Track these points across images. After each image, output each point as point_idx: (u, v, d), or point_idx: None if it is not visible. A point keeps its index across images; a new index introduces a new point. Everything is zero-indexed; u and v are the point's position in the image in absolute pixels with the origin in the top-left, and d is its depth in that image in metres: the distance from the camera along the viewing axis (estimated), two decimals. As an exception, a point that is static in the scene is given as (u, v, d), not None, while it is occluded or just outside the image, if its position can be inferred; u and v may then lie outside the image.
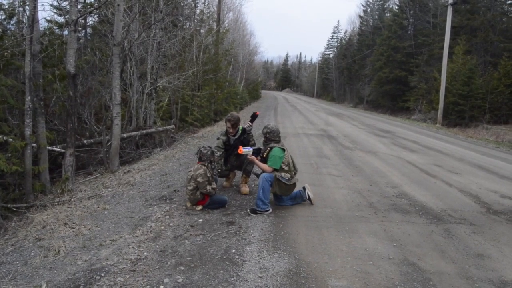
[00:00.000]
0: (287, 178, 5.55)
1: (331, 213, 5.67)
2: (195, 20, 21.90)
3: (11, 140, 7.98)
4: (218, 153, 6.36)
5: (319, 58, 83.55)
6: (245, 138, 6.59)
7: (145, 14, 13.95)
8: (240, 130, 6.61)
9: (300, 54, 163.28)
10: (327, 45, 78.36)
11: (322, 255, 4.24)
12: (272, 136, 5.70)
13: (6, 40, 8.58)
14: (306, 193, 6.04)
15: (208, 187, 5.58)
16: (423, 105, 27.91)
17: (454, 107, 23.00)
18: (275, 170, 5.53)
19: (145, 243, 4.54)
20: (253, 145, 6.58)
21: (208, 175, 5.64)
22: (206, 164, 5.73)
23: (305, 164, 9.02)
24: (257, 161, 5.67)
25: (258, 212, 5.52)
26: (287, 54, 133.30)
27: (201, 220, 5.31)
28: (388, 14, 43.68)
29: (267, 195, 5.57)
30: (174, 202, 6.13)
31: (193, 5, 21.41)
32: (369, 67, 42.58)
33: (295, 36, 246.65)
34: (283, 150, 5.63)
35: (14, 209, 7.57)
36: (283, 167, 5.56)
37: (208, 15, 24.88)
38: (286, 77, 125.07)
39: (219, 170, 6.46)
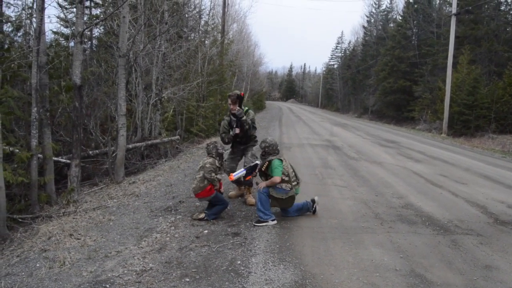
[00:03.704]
0: (288, 189, 5.52)
1: (336, 224, 5.64)
2: (200, 32, 22.05)
3: (17, 151, 8.01)
4: (225, 151, 6.32)
5: (323, 69, 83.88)
6: (240, 121, 6.57)
7: (150, 25, 14.05)
8: (244, 109, 6.68)
9: (304, 64, 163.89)
10: (331, 55, 78.73)
11: (328, 267, 4.21)
12: (270, 150, 5.74)
13: (13, 52, 8.66)
14: (314, 207, 6.01)
15: (213, 174, 5.70)
16: (428, 115, 27.84)
17: (459, 117, 22.92)
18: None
19: (150, 254, 4.53)
20: (251, 124, 6.68)
21: (217, 164, 5.83)
22: (214, 156, 5.89)
23: (310, 175, 9.00)
24: (265, 183, 5.62)
25: (262, 221, 5.51)
26: (291, 65, 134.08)
27: (206, 231, 5.30)
28: (392, 25, 43.87)
29: (267, 206, 5.56)
30: (179, 213, 6.13)
31: (197, 16, 21.57)
32: (373, 77, 42.62)
33: (300, 46, 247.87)
34: (281, 160, 5.64)
35: (20, 220, 7.58)
36: (283, 177, 5.54)
37: (212, 26, 25.06)
38: (291, 87, 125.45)
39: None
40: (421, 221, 5.88)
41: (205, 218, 5.75)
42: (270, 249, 4.67)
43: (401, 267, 4.24)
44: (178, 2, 16.54)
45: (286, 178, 5.57)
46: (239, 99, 6.61)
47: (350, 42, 65.51)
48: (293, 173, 5.76)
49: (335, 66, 73.17)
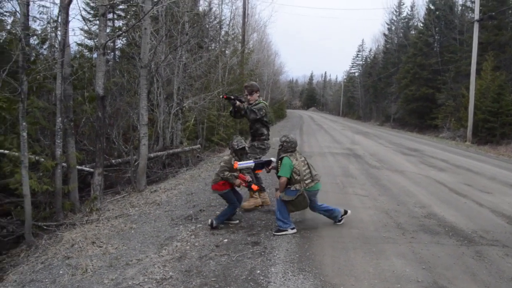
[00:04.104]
0: (295, 190, 5.43)
1: (357, 233, 5.58)
2: (220, 42, 22.25)
3: (42, 160, 8.20)
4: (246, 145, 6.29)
5: (344, 77, 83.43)
6: (248, 109, 6.52)
7: (171, 36, 14.25)
8: (259, 101, 6.68)
9: (325, 73, 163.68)
10: (352, 63, 78.31)
11: (348, 277, 4.16)
12: (288, 146, 5.62)
13: (38, 64, 8.90)
14: (342, 218, 5.97)
15: (226, 173, 5.76)
16: (451, 122, 27.39)
17: (484, 124, 22.47)
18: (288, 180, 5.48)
19: (171, 262, 4.56)
20: (260, 109, 6.56)
21: (232, 162, 5.84)
22: (232, 154, 5.97)
23: (331, 184, 8.94)
24: (280, 187, 5.58)
25: (282, 230, 5.48)
26: (312, 73, 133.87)
27: (226, 240, 5.31)
28: (413, 32, 43.41)
29: (285, 214, 5.53)
30: (200, 221, 6.16)
31: (218, 27, 21.78)
32: (395, 85, 42.22)
33: (320, 55, 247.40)
34: (290, 159, 5.53)
35: (45, 227, 7.74)
36: (294, 176, 5.46)
37: (233, 36, 25.25)
38: (311, 96, 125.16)
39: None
40: (444, 231, 5.77)
41: (213, 224, 5.79)
42: (289, 258, 4.64)
43: (423, 278, 4.17)
44: (199, 13, 16.77)
45: (297, 177, 5.47)
46: (255, 90, 6.70)
47: (371, 50, 65.11)
48: (307, 170, 5.62)
49: (356, 74, 72.76)
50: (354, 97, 67.00)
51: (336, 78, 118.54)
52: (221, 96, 7.15)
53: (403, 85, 36.98)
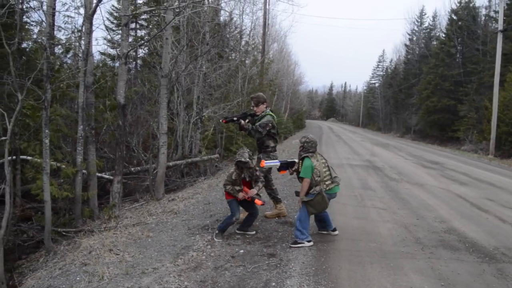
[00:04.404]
0: (315, 193, 5.37)
1: (375, 248, 5.50)
2: (241, 51, 22.40)
3: (63, 166, 8.35)
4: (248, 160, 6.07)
5: (364, 87, 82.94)
6: (253, 130, 6.43)
7: (192, 46, 14.42)
8: (266, 113, 6.57)
9: (345, 83, 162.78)
10: (372, 74, 77.94)
11: (365, 292, 4.10)
12: (309, 147, 5.61)
13: (62, 73, 9.09)
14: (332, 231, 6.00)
15: (228, 187, 5.89)
16: (473, 135, 26.86)
17: (507, 137, 21.96)
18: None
19: (186, 272, 4.56)
20: (266, 125, 6.44)
21: (233, 177, 5.90)
22: (234, 166, 6.01)
23: (349, 196, 8.85)
24: (302, 189, 5.46)
25: (299, 242, 5.43)
26: (331, 84, 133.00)
27: (242, 251, 5.29)
28: (435, 42, 42.89)
29: (305, 224, 5.48)
30: (215, 232, 6.15)
31: (238, 37, 21.95)
32: (416, 96, 41.70)
33: (340, 65, 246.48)
34: (311, 160, 5.49)
35: (64, 233, 7.85)
36: (315, 177, 5.40)
37: (253, 46, 25.39)
38: (331, 106, 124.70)
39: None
40: (465, 247, 5.63)
41: (215, 232, 5.93)
42: (305, 271, 4.60)
43: (442, 295, 4.07)
44: (220, 24, 16.93)
45: (317, 178, 5.41)
46: (261, 102, 6.60)
47: (391, 61, 64.62)
48: (328, 172, 5.59)
49: (377, 84, 72.31)
50: (374, 108, 66.46)
51: (356, 89, 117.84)
52: (220, 120, 7.11)
53: (424, 96, 36.49)
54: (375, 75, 76.44)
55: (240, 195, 5.82)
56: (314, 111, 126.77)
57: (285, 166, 5.91)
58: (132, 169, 12.02)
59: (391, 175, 12.20)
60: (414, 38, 49.54)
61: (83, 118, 7.89)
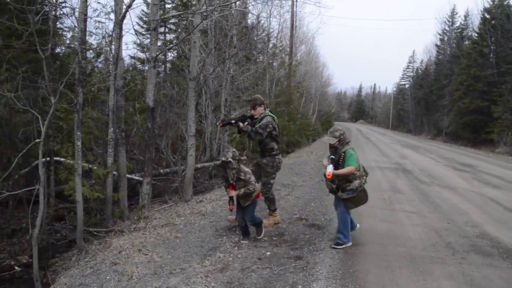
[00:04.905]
0: (354, 188, 5.26)
1: (404, 252, 5.40)
2: (268, 54, 22.43)
3: (95, 168, 8.55)
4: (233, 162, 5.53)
5: (394, 89, 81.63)
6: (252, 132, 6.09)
7: (219, 49, 14.53)
8: (265, 115, 6.27)
9: (374, 85, 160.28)
10: (402, 75, 76.53)
11: (393, 296, 4.03)
12: (345, 138, 5.38)
13: (93, 77, 9.33)
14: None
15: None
16: (508, 137, 26.05)
17: (544, 140, 21.24)
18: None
19: (213, 273, 4.60)
20: (266, 126, 6.12)
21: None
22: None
23: (378, 199, 8.74)
24: (339, 171, 5.22)
25: (341, 244, 5.44)
26: (360, 85, 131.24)
27: (268, 253, 5.30)
28: (467, 42, 41.80)
29: (348, 227, 5.47)
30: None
31: (266, 39, 22.00)
32: (447, 97, 40.75)
33: (369, 66, 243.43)
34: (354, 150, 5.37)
35: (95, 233, 8.04)
36: (355, 172, 5.23)
37: (280, 48, 25.39)
38: (360, 108, 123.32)
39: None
40: (498, 253, 5.47)
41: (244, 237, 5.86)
42: (332, 275, 4.57)
43: (474, 300, 3.97)
44: (247, 26, 17.01)
45: (357, 173, 5.26)
46: (258, 104, 6.30)
47: (422, 61, 63.35)
48: (362, 166, 5.48)
49: (407, 86, 71.00)
50: (404, 110, 65.29)
51: (386, 90, 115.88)
52: (218, 124, 6.92)
53: (456, 98, 35.63)
54: (405, 76, 75.12)
55: (231, 193, 5.63)
56: (343, 113, 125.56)
57: (334, 164, 5.33)
58: (161, 170, 12.18)
59: (421, 178, 11.97)
60: (445, 38, 48.46)
61: (113, 121, 8.05)
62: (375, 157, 18.41)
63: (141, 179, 9.72)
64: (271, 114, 6.39)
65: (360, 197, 5.34)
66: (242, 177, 5.54)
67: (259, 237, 5.88)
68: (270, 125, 6.19)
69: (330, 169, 5.16)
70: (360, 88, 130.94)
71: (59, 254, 7.92)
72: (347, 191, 5.28)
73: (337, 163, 5.29)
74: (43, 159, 7.18)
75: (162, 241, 6.11)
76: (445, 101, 41.83)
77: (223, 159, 5.49)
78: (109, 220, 8.37)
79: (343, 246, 5.44)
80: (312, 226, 6.61)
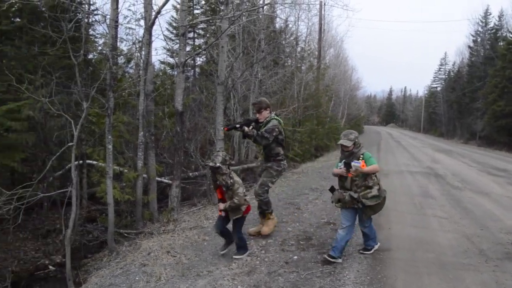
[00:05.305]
0: (377, 195, 4.99)
1: (433, 258, 5.29)
2: (296, 58, 22.38)
3: (125, 171, 8.74)
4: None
5: (426, 91, 79.92)
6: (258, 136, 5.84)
7: (247, 53, 14.61)
8: (271, 118, 5.97)
9: (405, 87, 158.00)
10: (434, 77, 74.81)
11: (422, 303, 3.96)
12: (358, 141, 5.15)
13: (124, 82, 9.55)
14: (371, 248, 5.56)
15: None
16: (546, 141, 25.13)
17: None
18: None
19: (240, 276, 4.63)
20: (272, 130, 5.83)
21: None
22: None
23: (408, 204, 8.59)
24: (365, 169, 4.95)
25: (369, 249, 5.43)
26: (391, 88, 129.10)
27: (296, 257, 5.29)
28: (501, 43, 40.59)
29: (374, 230, 5.44)
30: (271, 237, 6.19)
31: (294, 43, 21.97)
32: (481, 100, 39.64)
33: (400, 69, 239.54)
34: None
35: (125, 234, 8.20)
36: (372, 176, 5.02)
37: (309, 52, 25.29)
38: (390, 111, 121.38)
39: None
40: (534, 260, 5.29)
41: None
42: (360, 280, 4.52)
43: (507, 309, 3.85)
44: (275, 30, 17.04)
45: (375, 179, 5.06)
46: (264, 107, 6.02)
47: (454, 63, 61.73)
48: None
49: (438, 88, 69.42)
50: (436, 113, 63.85)
51: (417, 93, 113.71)
52: (222, 128, 6.73)
53: (490, 100, 34.62)
54: (436, 78, 73.45)
55: (221, 206, 5.33)
56: (372, 116, 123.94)
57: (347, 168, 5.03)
58: (190, 174, 12.33)
59: (453, 183, 11.69)
60: (479, 40, 47.12)
61: (143, 125, 8.21)
62: (405, 161, 18.10)
63: (170, 182, 9.85)
64: (277, 117, 6.13)
65: (380, 204, 5.10)
66: (231, 186, 5.16)
67: (237, 257, 5.29)
68: (276, 129, 5.92)
69: (358, 164, 4.90)
70: (390, 91, 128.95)
71: (91, 254, 8.13)
72: (370, 199, 4.98)
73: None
74: (76, 162, 7.39)
75: (190, 243, 6.18)
76: (478, 104, 40.71)
77: (211, 164, 5.10)
78: (139, 222, 8.52)
79: (374, 249, 5.42)
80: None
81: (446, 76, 65.21)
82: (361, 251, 5.42)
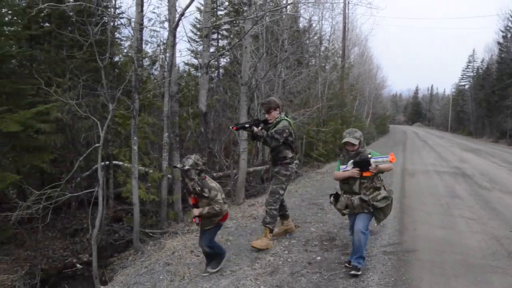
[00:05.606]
0: (387, 196, 4.68)
1: (461, 260, 5.18)
2: (320, 57, 22.26)
3: (150, 171, 8.88)
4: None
5: (453, 90, 78.22)
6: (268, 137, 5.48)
7: (271, 54, 14.60)
8: (281, 119, 5.67)
9: (432, 86, 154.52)
10: (462, 75, 73.22)
11: (448, 306, 3.88)
12: (363, 140, 4.85)
13: (149, 84, 9.70)
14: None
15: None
16: None
17: None
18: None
19: (263, 276, 4.63)
20: (283, 131, 5.48)
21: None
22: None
23: (435, 205, 8.44)
24: (384, 166, 4.61)
25: (359, 270, 4.65)
26: (417, 87, 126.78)
27: (319, 258, 5.27)
28: (533, 39, 39.46)
29: (364, 248, 4.73)
30: (294, 237, 6.18)
31: (318, 42, 21.85)
32: (511, 98, 38.62)
33: (426, 67, 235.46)
34: None
35: (151, 234, 8.34)
36: (379, 177, 4.73)
37: (333, 51, 25.12)
38: (417, 110, 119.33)
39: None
40: None
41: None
42: (384, 281, 4.46)
43: (537, 313, 3.75)
44: (299, 30, 16.99)
45: (380, 180, 4.77)
46: (273, 107, 5.71)
47: (483, 60, 60.24)
48: None
49: (467, 86, 67.85)
50: (464, 112, 62.41)
51: (444, 92, 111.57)
52: (230, 127, 6.56)
53: (521, 98, 33.72)
54: (464, 76, 71.83)
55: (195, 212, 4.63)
56: (398, 115, 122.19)
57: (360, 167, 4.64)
58: (214, 174, 12.40)
59: (481, 183, 11.42)
60: (509, 35, 45.84)
61: (168, 126, 8.32)
62: (432, 160, 17.78)
63: (194, 182, 9.94)
64: (287, 118, 5.83)
65: (389, 206, 4.75)
66: (206, 194, 4.55)
67: (213, 270, 4.81)
68: (287, 130, 5.59)
69: (381, 159, 4.55)
70: (417, 90, 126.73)
71: (117, 253, 8.30)
72: (380, 201, 4.65)
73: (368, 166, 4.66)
74: (102, 163, 7.55)
75: (214, 243, 6.22)
76: (508, 102, 39.64)
77: (179, 166, 4.66)
78: (164, 222, 8.64)
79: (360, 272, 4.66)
80: (364, 231, 6.48)
81: (475, 74, 63.72)
82: (352, 273, 4.67)
